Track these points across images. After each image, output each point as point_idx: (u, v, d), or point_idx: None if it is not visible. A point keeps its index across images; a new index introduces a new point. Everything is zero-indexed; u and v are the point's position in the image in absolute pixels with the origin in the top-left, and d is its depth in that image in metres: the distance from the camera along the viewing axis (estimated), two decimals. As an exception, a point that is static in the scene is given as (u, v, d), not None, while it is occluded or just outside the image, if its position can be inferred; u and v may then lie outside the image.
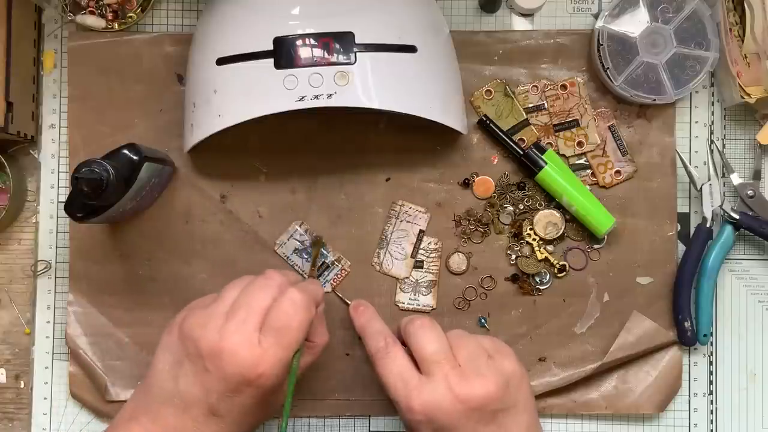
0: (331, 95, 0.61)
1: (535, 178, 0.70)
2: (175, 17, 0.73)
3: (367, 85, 0.62)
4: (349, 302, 0.69)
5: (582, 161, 0.71)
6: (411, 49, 0.63)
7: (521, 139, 0.71)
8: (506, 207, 0.71)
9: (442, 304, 0.71)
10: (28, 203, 0.73)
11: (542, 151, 0.70)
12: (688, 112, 0.72)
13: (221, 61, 0.63)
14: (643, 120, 0.72)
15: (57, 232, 0.72)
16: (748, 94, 0.69)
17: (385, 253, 0.71)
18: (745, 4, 0.68)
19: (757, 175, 0.71)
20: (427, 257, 0.71)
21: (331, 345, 0.65)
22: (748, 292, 0.72)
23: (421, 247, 0.71)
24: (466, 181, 0.71)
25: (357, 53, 0.61)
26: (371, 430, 0.72)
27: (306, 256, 0.71)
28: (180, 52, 0.71)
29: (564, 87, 0.71)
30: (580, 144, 0.71)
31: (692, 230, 0.71)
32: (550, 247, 0.71)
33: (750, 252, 0.72)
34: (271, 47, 0.61)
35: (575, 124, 0.71)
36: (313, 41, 0.61)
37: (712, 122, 0.72)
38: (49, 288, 0.72)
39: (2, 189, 0.71)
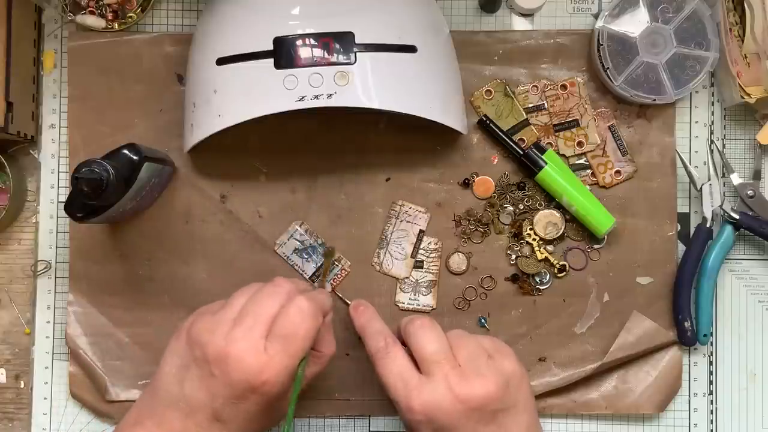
0: (331, 95, 0.61)
1: (535, 178, 0.70)
2: (175, 17, 0.73)
3: (367, 85, 0.62)
4: (349, 302, 0.69)
5: (582, 161, 0.71)
6: (411, 49, 0.63)
7: (521, 139, 0.71)
8: (506, 207, 0.71)
9: (442, 304, 0.71)
10: (28, 203, 0.73)
11: (542, 151, 0.70)
12: (688, 112, 0.72)
13: (221, 61, 0.63)
14: (643, 120, 0.72)
15: (57, 232, 0.72)
16: (748, 94, 0.69)
17: (385, 253, 0.71)
18: (745, 4, 0.68)
19: (757, 175, 0.71)
20: (427, 257, 0.71)
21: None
22: (748, 292, 0.72)
23: (421, 247, 0.71)
24: (466, 181, 0.71)
25: (357, 53, 0.61)
26: (371, 430, 0.72)
27: (306, 256, 0.71)
28: (180, 52, 0.71)
29: (564, 87, 0.71)
30: (580, 144, 0.71)
31: (692, 230, 0.71)
32: (550, 247, 0.71)
33: (750, 252, 0.72)
34: (271, 47, 0.61)
35: (575, 124, 0.71)
36: (313, 41, 0.61)
37: (712, 122, 0.72)
38: (49, 288, 0.72)
39: (2, 189, 0.71)
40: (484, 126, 0.71)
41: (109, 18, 0.71)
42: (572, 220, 0.71)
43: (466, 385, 0.55)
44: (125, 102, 0.71)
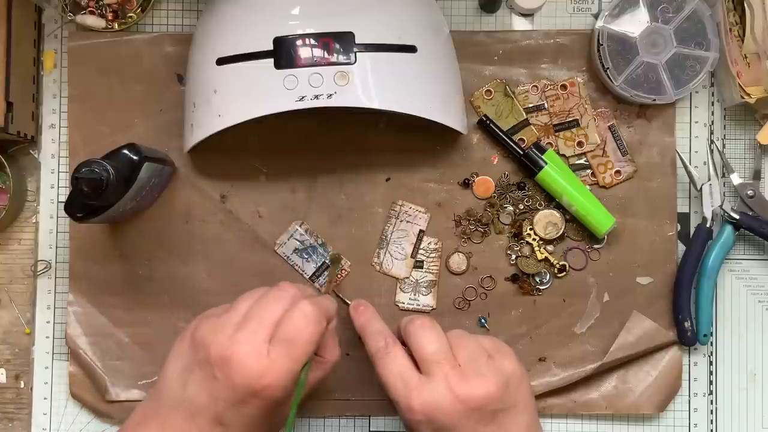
0: (331, 95, 0.61)
1: (535, 178, 0.70)
2: (175, 17, 0.73)
3: (367, 85, 0.62)
4: (349, 302, 0.69)
5: (582, 161, 0.71)
6: (411, 49, 0.63)
7: (521, 139, 0.71)
8: (506, 207, 0.71)
9: (442, 304, 0.71)
10: (28, 203, 0.73)
11: (542, 151, 0.70)
12: (688, 112, 0.72)
13: (221, 61, 0.63)
14: (643, 120, 0.72)
15: (57, 232, 0.72)
16: (748, 94, 0.69)
17: (385, 253, 0.71)
18: (745, 4, 0.68)
19: (757, 175, 0.71)
20: (427, 257, 0.71)
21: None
22: (748, 292, 0.72)
23: (421, 247, 0.71)
24: (466, 181, 0.71)
25: (357, 53, 0.61)
26: (371, 430, 0.72)
27: (306, 256, 0.71)
28: (180, 52, 0.71)
29: (564, 87, 0.71)
30: (580, 144, 0.71)
31: (692, 230, 0.71)
32: (550, 247, 0.71)
33: (750, 252, 0.72)
34: (271, 47, 0.61)
35: (575, 124, 0.71)
36: (313, 41, 0.61)
37: (712, 122, 0.72)
38: (49, 288, 0.72)
39: (2, 189, 0.71)
40: (484, 126, 0.71)
41: (109, 18, 0.71)
42: (572, 220, 0.71)
43: (466, 385, 0.55)
44: (125, 102, 0.71)
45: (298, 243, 0.71)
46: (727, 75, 0.70)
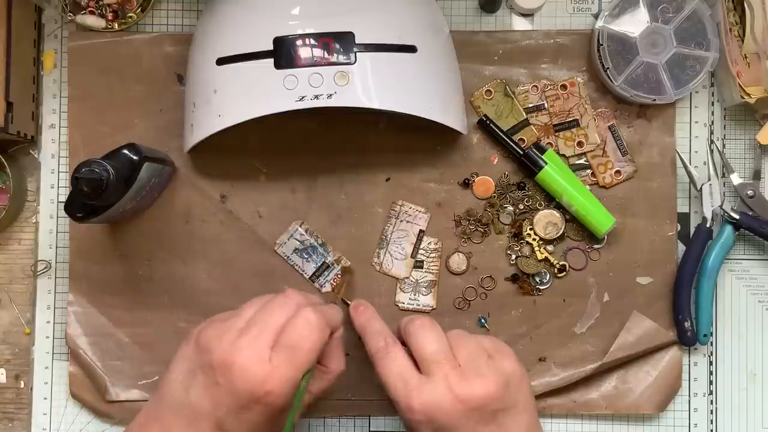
0: (331, 95, 0.61)
1: (535, 178, 0.70)
2: (175, 17, 0.73)
3: (367, 85, 0.62)
4: (350, 302, 0.69)
5: (582, 161, 0.71)
6: (411, 49, 0.63)
7: (521, 139, 0.71)
8: (506, 207, 0.71)
9: (442, 304, 0.71)
10: (28, 203, 0.73)
11: (542, 151, 0.70)
12: (688, 112, 0.72)
13: (221, 61, 0.63)
14: (643, 120, 0.72)
15: (57, 232, 0.72)
16: (748, 94, 0.69)
17: (385, 253, 0.71)
18: (745, 4, 0.68)
19: (757, 175, 0.71)
20: (427, 257, 0.71)
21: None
22: (748, 292, 0.72)
23: (421, 247, 0.71)
24: (466, 181, 0.71)
25: (357, 53, 0.61)
26: (371, 430, 0.72)
27: (306, 256, 0.71)
28: (180, 52, 0.71)
29: (564, 87, 0.71)
30: (580, 144, 0.71)
31: (692, 230, 0.71)
32: (550, 247, 0.71)
33: (750, 252, 0.72)
34: (271, 47, 0.61)
35: (575, 124, 0.71)
36: (313, 41, 0.61)
37: (712, 122, 0.72)
38: (49, 288, 0.72)
39: (2, 189, 0.71)
40: (484, 126, 0.71)
41: (109, 18, 0.71)
42: (572, 220, 0.71)
43: (466, 385, 0.55)
44: (125, 102, 0.71)
45: (298, 243, 0.71)
46: (727, 75, 0.70)
